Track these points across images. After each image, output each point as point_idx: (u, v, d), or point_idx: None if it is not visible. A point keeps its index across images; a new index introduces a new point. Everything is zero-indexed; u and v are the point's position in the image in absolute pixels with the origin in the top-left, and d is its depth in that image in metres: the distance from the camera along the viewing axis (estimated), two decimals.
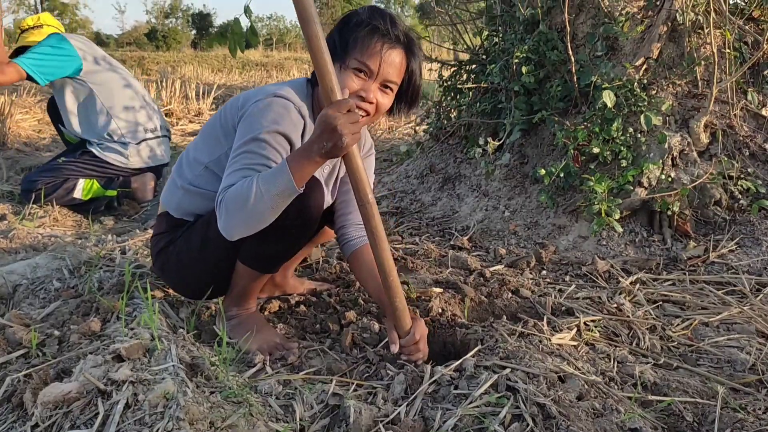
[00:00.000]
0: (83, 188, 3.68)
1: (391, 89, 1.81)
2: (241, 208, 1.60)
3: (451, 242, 3.28)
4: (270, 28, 77.61)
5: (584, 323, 2.24)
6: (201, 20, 68.22)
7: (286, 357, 1.90)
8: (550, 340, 2.04)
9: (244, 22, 2.42)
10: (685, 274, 2.82)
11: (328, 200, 2.02)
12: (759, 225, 3.04)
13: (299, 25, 1.56)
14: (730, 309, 2.40)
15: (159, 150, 3.92)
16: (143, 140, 3.81)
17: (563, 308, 2.40)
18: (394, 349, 1.89)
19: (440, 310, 2.28)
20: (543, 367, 1.80)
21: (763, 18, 3.62)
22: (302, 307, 2.31)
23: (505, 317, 2.27)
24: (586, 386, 1.77)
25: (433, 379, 1.74)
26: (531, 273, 2.87)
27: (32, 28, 3.79)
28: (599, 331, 2.22)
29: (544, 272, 2.90)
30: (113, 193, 3.78)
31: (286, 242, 1.77)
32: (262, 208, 1.59)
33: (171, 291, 2.27)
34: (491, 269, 2.83)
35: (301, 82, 1.89)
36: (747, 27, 3.42)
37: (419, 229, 3.55)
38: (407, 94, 1.87)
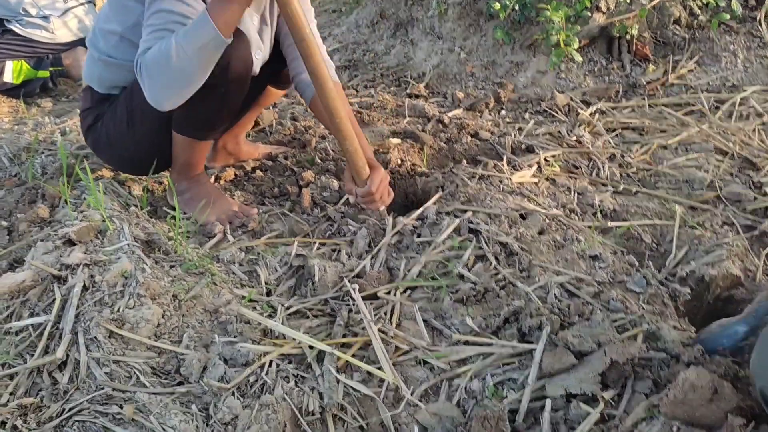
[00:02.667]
0: (12, 71, 3.42)
1: None
2: (164, 71, 1.47)
3: (408, 91, 3.17)
4: None
5: (544, 159, 2.23)
6: None
7: (246, 224, 1.86)
8: (510, 180, 2.03)
9: None
10: (644, 99, 2.78)
11: (264, 55, 1.87)
12: (718, 41, 2.97)
13: None
14: (689, 129, 2.40)
15: (87, 20, 3.61)
16: (66, 10, 3.50)
17: (523, 146, 2.37)
18: (352, 199, 1.85)
19: (399, 161, 2.24)
20: (504, 206, 1.80)
21: None
22: (258, 173, 2.24)
23: (465, 161, 2.24)
24: (547, 220, 1.79)
25: (396, 230, 1.74)
26: (490, 114, 2.81)
27: None
28: (559, 166, 2.21)
29: (503, 112, 2.85)
30: (45, 73, 3.52)
31: (216, 103, 1.66)
32: (187, 65, 1.47)
33: None
34: (449, 114, 2.76)
35: None
36: None
37: (374, 81, 3.42)
38: None
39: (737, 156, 2.22)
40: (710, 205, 1.95)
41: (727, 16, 2.92)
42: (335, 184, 2.10)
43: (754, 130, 2.40)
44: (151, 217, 1.86)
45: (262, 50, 1.84)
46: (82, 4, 3.59)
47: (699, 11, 3.02)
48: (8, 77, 3.42)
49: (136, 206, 1.89)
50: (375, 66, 3.63)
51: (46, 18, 3.42)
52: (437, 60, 3.42)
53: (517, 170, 2.13)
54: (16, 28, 3.40)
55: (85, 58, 3.52)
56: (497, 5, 3.05)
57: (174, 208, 1.90)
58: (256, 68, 1.78)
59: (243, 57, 1.63)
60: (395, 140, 2.43)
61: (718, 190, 2.00)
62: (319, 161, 2.32)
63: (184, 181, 1.92)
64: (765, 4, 2.98)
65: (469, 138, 2.46)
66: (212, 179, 2.15)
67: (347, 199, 1.95)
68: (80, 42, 3.60)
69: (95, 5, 3.73)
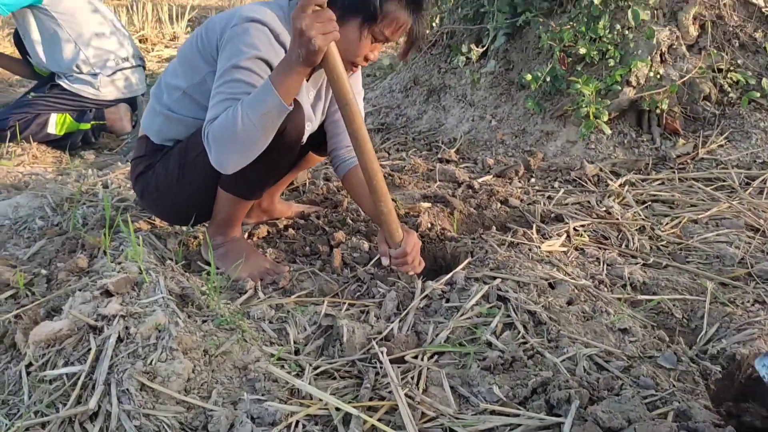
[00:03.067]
0: (56, 123, 3.58)
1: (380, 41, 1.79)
2: (230, 137, 1.55)
3: (439, 155, 3.24)
4: None
5: (573, 228, 2.24)
6: None
7: (276, 281, 1.90)
8: (539, 248, 2.04)
9: None
10: (674, 172, 2.80)
11: (312, 125, 1.96)
12: (749, 117, 3.00)
13: None
14: (720, 204, 2.40)
15: (133, 79, 3.79)
16: (116, 71, 3.67)
17: (552, 215, 2.39)
18: (386, 261, 1.89)
19: (429, 225, 2.27)
20: (533, 275, 1.81)
21: None
22: (291, 231, 2.29)
23: (494, 228, 2.27)
24: (575, 291, 1.79)
25: (425, 293, 1.75)
26: (520, 182, 2.85)
27: None
28: (588, 236, 2.22)
29: (532, 180, 2.88)
30: (86, 126, 3.67)
31: (266, 167, 1.73)
32: (251, 132, 1.54)
33: (158, 222, 2.24)
34: (480, 180, 2.81)
35: (281, 1, 1.79)
36: None
37: (405, 144, 3.49)
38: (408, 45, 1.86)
39: None
40: (741, 282, 1.93)
41: (758, 94, 2.96)
42: (366, 245, 2.14)
43: None
44: (186, 271, 1.91)
45: (313, 122, 1.93)
46: (133, 66, 3.76)
47: (729, 89, 3.06)
48: (52, 129, 3.57)
49: (171, 259, 1.94)
50: (407, 130, 3.72)
51: (95, 75, 3.59)
52: (468, 126, 3.50)
53: (547, 239, 2.14)
54: (65, 83, 3.57)
55: (128, 114, 3.68)
56: (529, 76, 3.14)
57: (208, 263, 1.95)
58: (305, 138, 1.86)
59: (297, 125, 1.71)
60: (426, 204, 2.47)
61: (750, 267, 1.99)
62: (351, 222, 2.36)
63: (219, 236, 1.97)
64: None
65: (499, 204, 2.49)
66: (246, 235, 2.20)
67: (379, 260, 1.98)
68: (123, 100, 3.76)
69: (144, 68, 3.91)
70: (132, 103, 3.83)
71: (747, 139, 2.92)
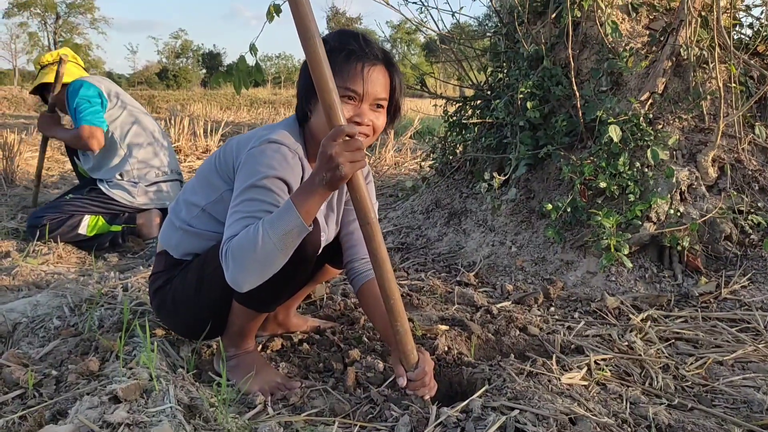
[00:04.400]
0: (88, 224, 3.68)
1: (383, 106, 1.81)
2: (249, 256, 1.56)
3: (458, 278, 3.23)
4: (278, 66, 78.83)
5: (595, 362, 2.18)
6: (211, 59, 69.44)
7: (287, 397, 1.85)
8: (559, 380, 1.98)
9: (250, 60, 2.43)
10: (697, 310, 2.76)
11: (327, 237, 1.99)
12: None
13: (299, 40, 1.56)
14: (745, 347, 2.34)
15: (169, 190, 3.92)
16: (154, 182, 3.82)
17: (572, 346, 2.34)
18: (402, 382, 1.83)
19: (446, 349, 2.23)
20: (553, 408, 1.74)
21: (767, 53, 3.62)
22: (305, 346, 2.26)
23: (512, 356, 2.22)
24: (597, 428, 1.71)
25: (439, 420, 1.69)
26: (539, 309, 2.82)
27: (51, 64, 3.85)
28: (610, 370, 2.16)
29: (552, 309, 2.85)
30: (118, 228, 3.76)
31: (282, 281, 1.73)
32: (271, 251, 1.56)
33: None
34: (498, 306, 2.78)
35: (291, 121, 1.88)
36: (752, 61, 3.41)
37: (425, 265, 3.51)
38: (390, 110, 1.87)
39: None
40: None
41: None
42: (380, 365, 2.09)
43: None
44: (196, 381, 1.87)
45: (326, 233, 1.96)
46: (169, 180, 3.92)
47: (750, 230, 3.08)
48: (83, 230, 3.67)
49: (182, 367, 1.91)
50: (427, 251, 3.75)
51: (134, 184, 3.73)
52: (488, 251, 3.52)
53: (566, 371, 2.08)
54: (104, 188, 3.71)
55: (158, 219, 3.78)
56: (549, 206, 3.19)
57: (219, 374, 1.91)
58: (319, 250, 1.88)
59: (314, 241, 1.73)
60: (443, 326, 2.44)
61: None
62: (366, 340, 2.33)
63: (232, 347, 1.95)
64: None
65: (518, 332, 2.45)
66: (259, 347, 2.17)
67: (394, 381, 1.93)
68: (154, 206, 3.87)
69: (182, 182, 4.07)
70: (163, 210, 3.95)
71: None
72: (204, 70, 70.24)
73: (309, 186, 1.57)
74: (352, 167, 1.52)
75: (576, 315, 2.76)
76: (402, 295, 2.78)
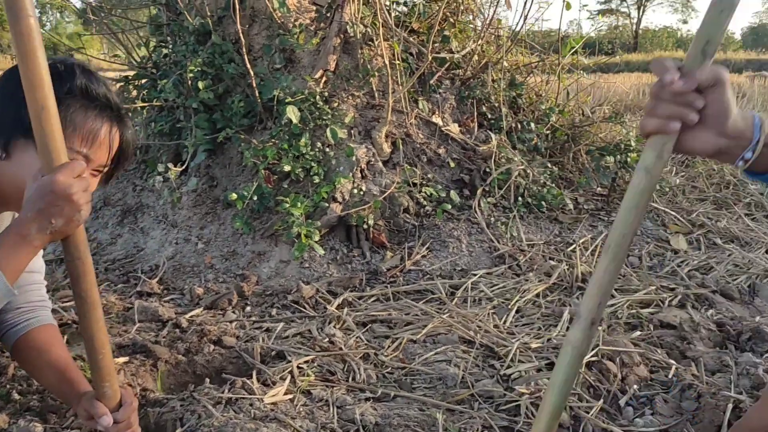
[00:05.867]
0: None
1: (101, 172, 1.43)
2: None
3: (138, 288, 2.81)
4: None
5: (298, 367, 2.03)
6: None
7: None
8: (262, 401, 1.78)
9: None
10: (386, 286, 2.81)
11: None
12: (444, 227, 3.20)
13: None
14: (433, 320, 2.43)
15: None
16: None
17: (273, 353, 2.16)
18: (107, 422, 1.39)
19: (126, 386, 1.85)
20: None
21: (422, 30, 3.86)
22: None
23: (208, 380, 1.94)
24: None
25: None
26: (234, 312, 2.58)
27: None
28: (314, 372, 2.03)
29: (248, 308, 2.64)
30: None
31: None
32: None
33: None
34: (188, 316, 2.47)
35: None
36: (411, 39, 3.60)
37: (97, 277, 2.98)
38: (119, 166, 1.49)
39: (480, 345, 2.27)
40: (466, 405, 1.90)
41: (449, 206, 3.20)
42: (39, 428, 1.64)
43: (488, 315, 2.52)
44: None
45: None
46: None
47: (424, 201, 3.26)
48: None
49: None
50: (98, 258, 3.21)
51: None
52: (172, 251, 3.14)
53: (270, 386, 1.89)
54: None
55: None
56: (234, 195, 2.95)
57: None
58: None
59: None
60: (121, 359, 2.05)
61: (471, 386, 1.99)
62: (18, 396, 1.83)
63: None
64: (477, 194, 3.33)
65: (212, 346, 2.18)
66: None
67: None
68: None
69: None
70: None
71: (445, 248, 3.10)
72: None
73: (22, 238, 1.14)
74: (88, 209, 1.17)
75: (274, 312, 2.59)
76: (60, 324, 2.29)
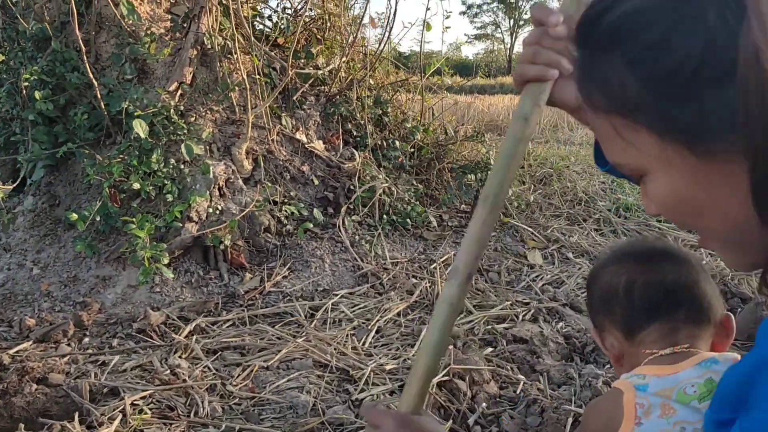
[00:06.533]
0: None
1: None
2: None
3: None
4: None
5: (132, 404, 1.86)
6: None
7: None
8: None
9: None
10: (244, 309, 2.68)
11: None
12: (306, 247, 3.11)
13: None
14: (288, 344, 2.32)
15: None
16: None
17: (106, 389, 1.96)
18: None
19: None
20: None
21: (287, 45, 3.78)
22: None
23: (23, 425, 1.72)
24: None
25: None
26: (69, 345, 2.34)
27: None
28: (152, 409, 1.87)
29: (86, 340, 2.41)
30: None
31: None
32: None
33: None
34: (12, 351, 2.21)
35: None
36: (273, 53, 3.50)
37: None
38: None
39: (335, 368, 2.20)
40: None
41: (311, 224, 3.12)
42: None
43: (346, 336, 2.45)
44: None
45: None
46: None
47: (286, 220, 3.16)
48: None
49: None
50: None
51: None
52: (2, 278, 2.83)
53: (94, 428, 1.71)
54: None
55: None
56: (74, 215, 2.70)
57: None
58: None
59: None
60: None
61: (322, 415, 1.90)
62: None
63: None
64: (341, 212, 3.28)
65: (35, 386, 1.95)
66: None
67: None
68: None
69: None
70: None
71: (307, 268, 3.01)
72: None
73: None
74: None
75: (115, 342, 2.38)
76: None
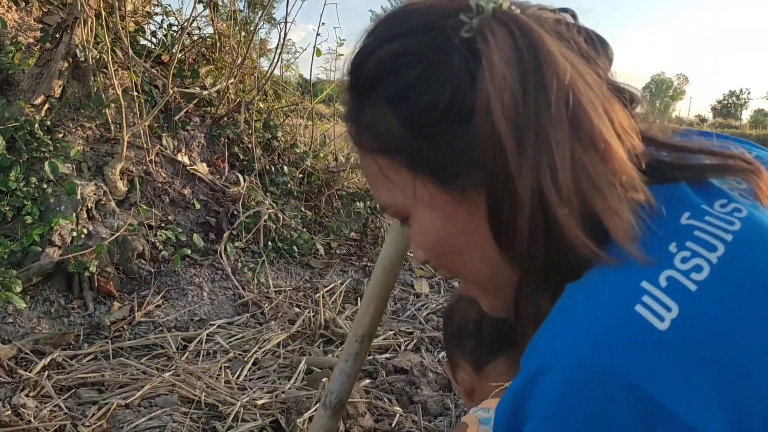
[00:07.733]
0: None
1: None
2: None
3: None
4: None
5: None
6: None
7: None
8: None
9: None
10: (108, 342, 2.48)
11: None
12: (184, 274, 2.95)
13: None
14: (152, 380, 2.16)
15: None
16: None
17: None
18: None
19: None
20: None
21: (171, 62, 3.62)
22: None
23: None
24: None
25: None
26: None
27: None
28: None
29: None
30: None
31: None
32: None
33: None
34: None
35: None
36: (155, 71, 3.35)
37: None
38: None
39: (204, 404, 2.06)
40: None
41: (189, 251, 2.96)
42: None
43: (220, 369, 2.32)
44: None
45: None
46: None
47: (161, 246, 2.98)
48: None
49: None
50: None
51: None
52: None
53: None
54: None
55: None
56: None
57: None
58: None
59: None
60: None
61: None
62: None
63: None
64: (224, 237, 3.14)
65: None
66: None
67: None
68: None
69: None
70: None
71: (184, 296, 2.85)
72: None
73: None
74: None
75: None
76: None
